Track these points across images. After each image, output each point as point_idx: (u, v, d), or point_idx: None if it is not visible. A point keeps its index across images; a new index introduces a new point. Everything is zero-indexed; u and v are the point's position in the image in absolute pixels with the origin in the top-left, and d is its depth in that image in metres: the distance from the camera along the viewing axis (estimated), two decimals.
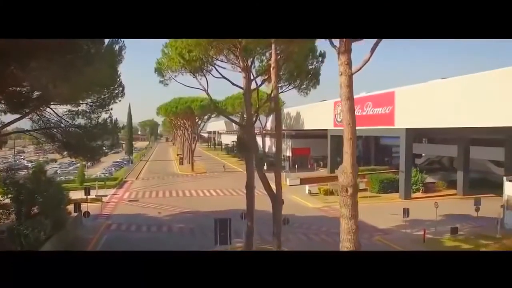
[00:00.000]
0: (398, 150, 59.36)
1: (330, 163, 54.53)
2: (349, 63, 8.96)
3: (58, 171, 65.17)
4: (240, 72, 18.49)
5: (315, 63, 21.02)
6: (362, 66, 8.82)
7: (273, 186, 17.55)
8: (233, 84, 19.44)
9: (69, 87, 14.36)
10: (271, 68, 15.36)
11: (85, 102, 20.92)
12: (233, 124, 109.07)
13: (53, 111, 21.20)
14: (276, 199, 16.44)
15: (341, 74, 9.03)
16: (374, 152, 59.64)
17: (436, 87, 34.17)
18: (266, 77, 21.62)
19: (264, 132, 60.46)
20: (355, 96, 36.63)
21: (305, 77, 21.18)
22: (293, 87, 22.02)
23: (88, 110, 21.77)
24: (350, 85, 9.07)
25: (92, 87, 17.92)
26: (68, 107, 20.42)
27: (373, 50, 8.55)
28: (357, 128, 34.28)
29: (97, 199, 33.67)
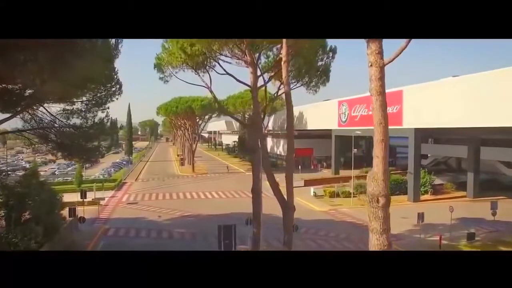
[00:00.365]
0: (402, 150, 58.71)
1: (334, 164, 53.27)
2: (380, 52, 7.66)
3: (56, 172, 63.85)
4: (247, 67, 17.15)
5: (325, 58, 19.70)
6: (397, 55, 7.52)
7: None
8: (238, 80, 18.14)
9: (59, 83, 13.03)
10: (282, 62, 14.06)
11: (80, 100, 19.62)
12: (234, 124, 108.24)
13: (46, 110, 19.92)
14: (287, 205, 15.11)
15: (371, 65, 7.73)
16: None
17: (447, 86, 32.87)
18: (272, 73, 20.33)
19: (265, 132, 59.20)
20: (361, 95, 35.24)
21: (315, 73, 19.85)
22: (301, 85, 20.71)
23: (83, 109, 20.50)
24: (382, 78, 7.77)
25: (86, 84, 16.57)
26: (62, 105, 19.11)
27: None
28: (363, 128, 32.95)
29: (95, 202, 32.34)
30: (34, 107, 20.05)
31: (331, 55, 19.67)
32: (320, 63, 19.75)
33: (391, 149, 58.78)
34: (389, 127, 28.36)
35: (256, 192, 18.52)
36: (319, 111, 55.94)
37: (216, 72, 18.87)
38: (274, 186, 15.78)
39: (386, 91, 28.94)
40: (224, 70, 18.22)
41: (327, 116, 52.43)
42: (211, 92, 19.15)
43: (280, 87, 20.72)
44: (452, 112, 31.30)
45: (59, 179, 51.77)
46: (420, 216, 23.01)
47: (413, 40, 7.12)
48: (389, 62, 7.75)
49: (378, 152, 7.89)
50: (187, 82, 19.56)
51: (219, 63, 18.40)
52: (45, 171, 61.06)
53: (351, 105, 47.14)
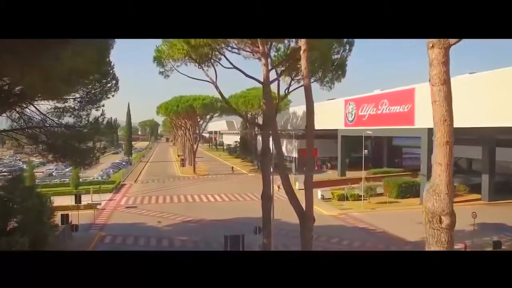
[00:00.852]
0: (408, 151, 57.08)
1: (340, 165, 51.49)
2: None
3: (54, 173, 61.99)
4: (258, 58, 15.36)
5: (341, 51, 17.90)
6: None
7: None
8: (246, 75, 16.38)
9: (44, 76, 11.29)
10: (301, 52, 12.30)
11: (72, 97, 17.89)
12: (235, 124, 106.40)
13: (35, 107, 18.20)
14: (305, 216, 13.34)
15: (432, 46, 5.97)
16: (387, 153, 56.69)
17: (463, 83, 31.10)
18: (283, 68, 18.58)
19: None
20: (369, 94, 33.32)
21: (330, 68, 18.06)
22: (315, 80, 18.90)
23: (76, 107, 18.80)
24: (446, 62, 6.00)
25: (76, 78, 14.77)
26: (52, 103, 17.38)
27: None
28: (373, 128, 30.87)
29: (91, 206, 30.60)
30: (24, 105, 18.38)
31: (347, 47, 17.89)
32: (335, 56, 17.95)
33: (396, 150, 57.38)
34: (400, 126, 26.41)
35: (266, 198, 16.75)
36: (324, 111, 54.08)
37: (222, 65, 17.14)
38: (290, 192, 14.00)
39: (396, 89, 27.06)
40: (231, 64, 16.44)
41: (333, 115, 50.72)
42: (217, 87, 17.36)
43: (291, 84, 19.00)
44: (468, 111, 29.57)
45: (56, 180, 50.12)
46: None
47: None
48: (456, 42, 5.99)
49: (440, 158, 6.13)
50: (189, 77, 17.82)
51: (225, 56, 16.66)
52: (42, 172, 59.35)
53: (358, 104, 45.42)
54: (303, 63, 12.37)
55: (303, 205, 14.75)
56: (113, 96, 18.59)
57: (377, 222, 28.18)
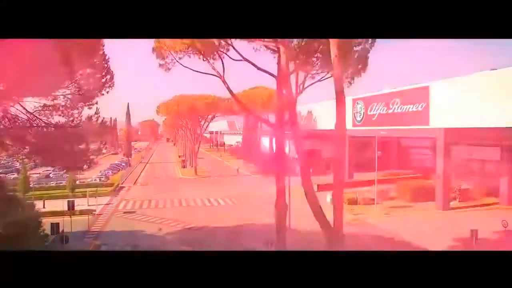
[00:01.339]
0: (415, 152, 55.12)
1: (348, 167, 49.46)
2: None
3: (51, 174, 60.04)
4: (270, 49, 13.41)
5: (363, 43, 15.94)
6: None
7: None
8: (258, 68, 14.43)
9: (25, 69, 9.40)
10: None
11: (62, 93, 16.01)
12: (236, 124, 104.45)
13: (21, 105, 16.32)
14: (333, 234, 11.37)
15: None
16: (397, 154, 54.75)
17: (483, 81, 29.17)
18: (297, 61, 16.62)
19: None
20: (379, 93, 31.01)
21: (350, 61, 16.12)
22: (331, 76, 16.94)
23: (67, 105, 16.91)
24: None
25: (63, 70, 12.84)
26: (37, 99, 15.49)
27: None
28: (384, 128, 28.55)
29: (86, 212, 28.67)
30: (9, 104, 16.52)
31: (370, 39, 15.91)
32: (357, 47, 15.98)
33: (404, 150, 55.45)
34: (413, 126, 24.33)
35: (281, 207, 14.79)
36: (330, 110, 52.13)
37: (230, 57, 15.20)
38: (316, 206, 12.06)
39: (409, 87, 24.72)
40: (241, 56, 14.50)
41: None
42: (224, 82, 15.40)
43: (307, 78, 17.08)
44: (487, 110, 27.65)
45: (52, 182, 48.34)
46: (474, 234, 19.17)
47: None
48: None
49: None
50: (193, 70, 15.93)
51: (233, 47, 14.72)
52: (39, 173, 57.47)
53: (367, 104, 43.49)
54: (333, 51, 10.44)
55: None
56: (107, 92, 16.72)
57: (395, 229, 26.25)
